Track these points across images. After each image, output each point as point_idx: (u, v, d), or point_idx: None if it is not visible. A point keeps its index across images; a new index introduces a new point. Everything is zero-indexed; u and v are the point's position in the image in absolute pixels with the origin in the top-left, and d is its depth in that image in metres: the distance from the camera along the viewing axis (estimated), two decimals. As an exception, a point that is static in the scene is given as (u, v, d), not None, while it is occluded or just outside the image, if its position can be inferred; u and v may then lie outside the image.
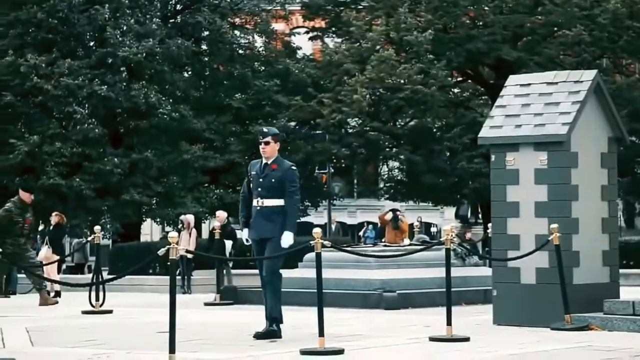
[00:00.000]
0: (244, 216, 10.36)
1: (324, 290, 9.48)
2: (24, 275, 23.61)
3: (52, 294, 19.78)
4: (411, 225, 26.54)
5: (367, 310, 14.08)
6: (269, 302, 10.26)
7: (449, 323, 10.18)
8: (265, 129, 10.47)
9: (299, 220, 37.49)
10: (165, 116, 30.34)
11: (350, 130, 33.16)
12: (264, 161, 10.27)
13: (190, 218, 23.82)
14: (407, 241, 21.20)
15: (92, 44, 32.29)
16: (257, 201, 10.19)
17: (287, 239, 10.11)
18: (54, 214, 22.29)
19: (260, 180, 10.17)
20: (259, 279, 10.54)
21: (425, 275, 15.06)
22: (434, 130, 32.78)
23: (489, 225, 12.78)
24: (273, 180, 10.11)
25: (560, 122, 11.30)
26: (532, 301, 11.21)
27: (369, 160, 36.16)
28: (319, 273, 9.36)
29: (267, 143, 10.23)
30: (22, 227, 16.13)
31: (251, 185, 10.31)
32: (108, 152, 30.50)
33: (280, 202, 10.14)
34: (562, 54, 31.69)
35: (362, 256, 13.24)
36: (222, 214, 22.23)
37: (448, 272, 10.34)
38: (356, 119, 32.26)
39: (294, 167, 10.34)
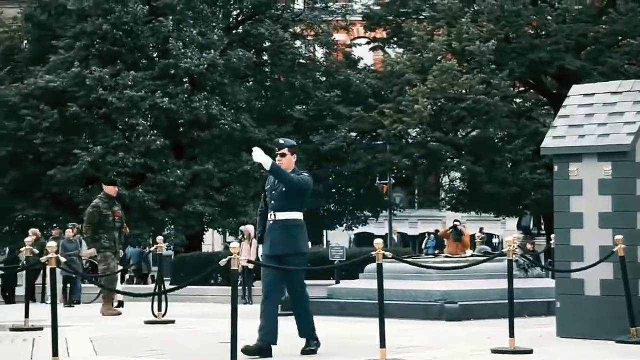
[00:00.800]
0: (260, 232, 10.03)
1: (385, 302, 9.44)
2: (88, 285, 23.89)
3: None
4: (473, 237, 26.38)
5: (428, 321, 14.00)
6: (304, 319, 9.90)
7: (511, 335, 10.08)
8: (282, 141, 10.20)
9: (358, 231, 37.11)
10: (226, 127, 30.51)
11: (411, 141, 33.06)
12: None
13: (250, 228, 23.87)
14: (469, 252, 21.06)
15: (155, 55, 32.59)
16: (271, 215, 9.77)
17: (258, 154, 9.68)
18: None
19: (273, 192, 9.82)
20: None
21: (488, 286, 14.93)
22: (496, 140, 32.57)
23: (552, 236, 12.64)
24: (284, 189, 9.72)
25: (625, 132, 11.15)
26: (596, 314, 11.06)
27: (430, 171, 36.02)
28: (380, 284, 9.33)
29: (283, 155, 9.95)
30: (113, 220, 16.26)
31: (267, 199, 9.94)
32: (170, 163, 30.72)
33: (295, 215, 9.74)
34: (626, 64, 31.33)
35: (423, 267, 13.17)
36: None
37: (511, 283, 10.24)
38: (417, 129, 32.16)
39: (306, 174, 9.93)
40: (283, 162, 9.88)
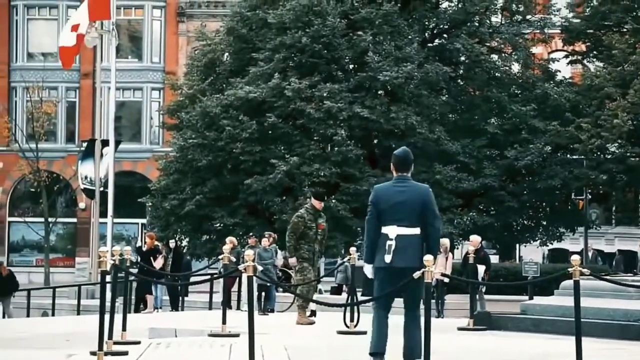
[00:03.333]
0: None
1: (581, 320, 9.24)
2: (281, 294, 24.31)
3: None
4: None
5: (626, 341, 13.59)
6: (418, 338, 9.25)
7: None
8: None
9: (552, 246, 36.36)
10: (421, 137, 30.55)
11: (609, 156, 32.25)
12: None
13: (446, 241, 23.80)
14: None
15: (351, 67, 32.94)
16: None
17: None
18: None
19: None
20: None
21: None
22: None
23: None
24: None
25: None
26: None
27: (629, 187, 35.04)
28: (577, 301, 9.14)
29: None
30: (315, 232, 16.34)
31: None
32: (365, 173, 30.95)
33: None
34: None
35: (622, 285, 12.81)
36: (476, 238, 22.07)
37: None
38: (616, 144, 31.35)
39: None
40: None
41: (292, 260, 16.66)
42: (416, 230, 9.11)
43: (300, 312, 16.53)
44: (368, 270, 9.31)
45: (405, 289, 9.17)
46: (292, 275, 19.41)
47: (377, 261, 9.17)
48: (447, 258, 23.16)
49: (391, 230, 9.14)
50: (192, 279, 22.63)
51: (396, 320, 9.47)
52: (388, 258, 9.06)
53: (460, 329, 15.65)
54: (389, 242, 9.09)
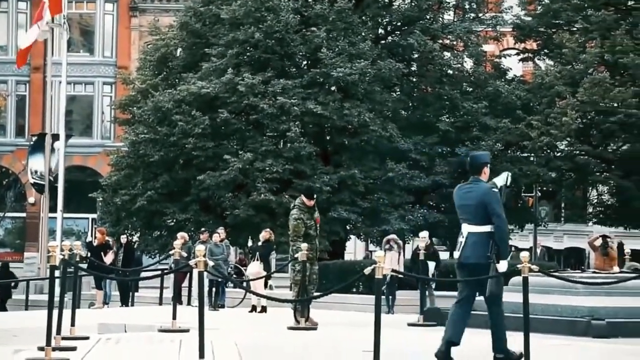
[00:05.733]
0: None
1: (529, 316, 9.32)
2: (232, 290, 24.27)
3: (258, 309, 20.25)
4: (622, 252, 25.77)
5: (573, 337, 13.74)
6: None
7: (661, 355, 9.82)
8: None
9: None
10: (375, 134, 30.62)
11: (558, 154, 32.51)
12: None
13: (395, 237, 23.92)
14: (616, 268, 20.59)
15: (304, 64, 32.93)
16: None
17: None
18: (263, 231, 22.84)
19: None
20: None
21: (637, 304, 14.56)
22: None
23: None
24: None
25: None
26: None
27: (577, 185, 35.35)
28: (525, 297, 9.21)
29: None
30: (315, 229, 16.09)
31: None
32: (318, 169, 30.97)
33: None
34: None
35: (570, 282, 12.94)
36: (426, 235, 22.17)
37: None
38: (565, 142, 31.60)
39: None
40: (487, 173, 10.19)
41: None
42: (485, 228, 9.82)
43: (297, 314, 15.41)
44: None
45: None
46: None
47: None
48: (399, 254, 23.26)
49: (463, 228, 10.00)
50: (143, 274, 22.54)
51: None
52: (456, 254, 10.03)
53: (410, 324, 15.74)
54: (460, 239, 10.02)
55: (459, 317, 10.11)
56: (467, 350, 10.14)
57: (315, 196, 16.63)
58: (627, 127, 29.98)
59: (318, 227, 16.08)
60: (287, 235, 29.71)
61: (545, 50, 34.65)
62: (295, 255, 15.82)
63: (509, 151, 33.58)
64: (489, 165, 10.16)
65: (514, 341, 10.58)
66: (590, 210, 36.07)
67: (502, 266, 9.78)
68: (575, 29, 33.08)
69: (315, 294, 15.09)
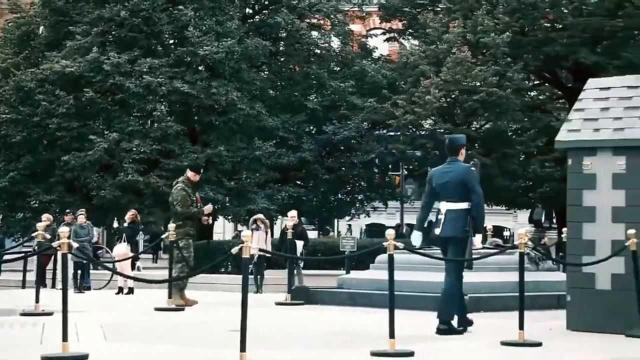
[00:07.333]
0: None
1: (395, 292, 9.45)
2: (99, 271, 23.96)
3: (125, 291, 20.04)
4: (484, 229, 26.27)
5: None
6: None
7: (521, 327, 10.08)
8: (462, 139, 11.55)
9: (369, 221, 37.35)
10: (242, 113, 30.56)
11: (423, 132, 32.98)
12: None
13: (263, 217, 23.94)
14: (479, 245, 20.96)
15: (171, 42, 32.64)
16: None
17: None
18: (129, 212, 22.58)
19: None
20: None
21: (498, 279, 14.91)
22: (509, 133, 32.48)
23: (564, 230, 12.62)
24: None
25: (640, 126, 11.11)
26: (606, 307, 11.05)
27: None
28: (391, 275, 9.34)
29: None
30: (196, 206, 15.48)
31: None
32: (185, 149, 30.77)
33: None
34: (642, 58, 31.14)
35: (434, 259, 13.15)
36: (294, 214, 22.25)
37: (521, 276, 10.24)
38: (430, 120, 32.08)
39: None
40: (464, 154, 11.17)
41: (209, 206, 16.00)
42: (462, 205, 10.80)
43: (180, 292, 15.17)
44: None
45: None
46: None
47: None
48: (266, 233, 23.30)
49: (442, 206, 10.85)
50: (5, 257, 22.04)
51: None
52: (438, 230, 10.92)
53: (277, 303, 15.79)
54: (439, 216, 10.89)
55: (452, 289, 11.02)
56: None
57: (201, 172, 16.31)
58: (488, 105, 30.57)
59: (200, 206, 15.71)
60: (155, 215, 29.76)
61: (410, 30, 35.09)
62: (189, 231, 15.35)
63: (376, 130, 33.95)
64: (465, 146, 11.26)
65: (377, 318, 10.73)
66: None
67: (477, 239, 10.88)
68: (438, 9, 33.57)
69: (182, 274, 14.95)
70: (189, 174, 15.72)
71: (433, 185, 11.12)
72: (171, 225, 15.33)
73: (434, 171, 11.34)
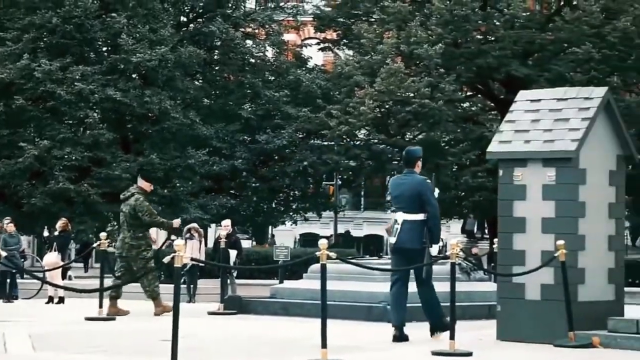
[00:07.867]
0: None
1: (328, 302, 9.45)
2: (28, 280, 23.66)
3: (55, 300, 19.81)
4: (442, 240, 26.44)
5: (370, 322, 14.03)
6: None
7: (452, 337, 10.14)
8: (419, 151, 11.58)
9: (303, 231, 37.51)
10: (176, 122, 30.43)
11: (357, 143, 33.11)
12: None
13: (196, 226, 23.85)
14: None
15: (104, 50, 32.42)
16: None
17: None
18: (60, 220, 22.34)
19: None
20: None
21: (431, 289, 14.95)
22: (442, 144, 32.72)
23: (495, 240, 12.73)
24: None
25: (570, 138, 11.26)
26: (536, 317, 11.16)
27: (376, 173, 36.11)
28: (323, 284, 9.34)
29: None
30: None
31: None
32: (118, 157, 30.54)
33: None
34: (572, 72, 31.62)
35: (367, 269, 13.19)
36: (227, 223, 22.19)
37: (453, 286, 10.30)
38: (364, 131, 32.22)
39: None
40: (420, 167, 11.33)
41: (177, 220, 15.74)
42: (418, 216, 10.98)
43: (157, 301, 15.04)
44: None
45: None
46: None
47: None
48: (200, 242, 23.22)
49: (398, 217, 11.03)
50: None
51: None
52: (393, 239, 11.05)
53: (210, 313, 15.71)
54: (396, 226, 11.02)
55: (400, 297, 11.19)
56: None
57: (152, 182, 15.96)
58: (421, 116, 30.77)
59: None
60: (86, 224, 29.46)
61: (345, 41, 35.24)
62: (150, 242, 15.13)
63: (310, 139, 34.01)
64: (421, 159, 11.36)
65: (310, 328, 10.74)
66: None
67: (434, 250, 11.01)
68: (373, 19, 33.75)
69: (114, 283, 14.82)
70: (144, 184, 15.32)
71: (392, 196, 11.39)
72: (102, 234, 15.19)
73: (391, 181, 11.61)
